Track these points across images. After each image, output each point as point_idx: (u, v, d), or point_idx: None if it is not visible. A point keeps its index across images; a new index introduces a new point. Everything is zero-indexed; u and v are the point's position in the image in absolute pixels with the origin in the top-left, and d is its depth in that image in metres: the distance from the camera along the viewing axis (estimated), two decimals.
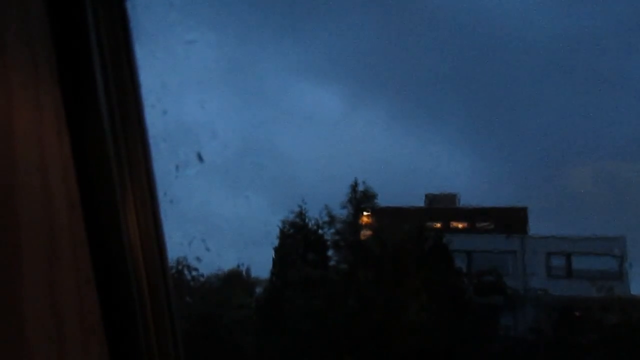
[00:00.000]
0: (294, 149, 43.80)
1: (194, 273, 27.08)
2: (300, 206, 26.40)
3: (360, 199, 27.86)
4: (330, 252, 27.08)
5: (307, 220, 26.56)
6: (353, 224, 27.40)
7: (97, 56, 0.97)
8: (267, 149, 38.24)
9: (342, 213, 27.13)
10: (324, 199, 26.99)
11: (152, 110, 1.08)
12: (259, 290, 28.08)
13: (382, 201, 28.72)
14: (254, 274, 31.76)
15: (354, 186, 27.78)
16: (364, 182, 27.99)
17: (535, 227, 33.31)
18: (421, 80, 43.62)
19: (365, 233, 27.34)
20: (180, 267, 24.58)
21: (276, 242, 26.25)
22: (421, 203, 37.52)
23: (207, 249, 21.58)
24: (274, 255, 26.06)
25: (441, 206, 36.37)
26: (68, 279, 0.94)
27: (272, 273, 25.87)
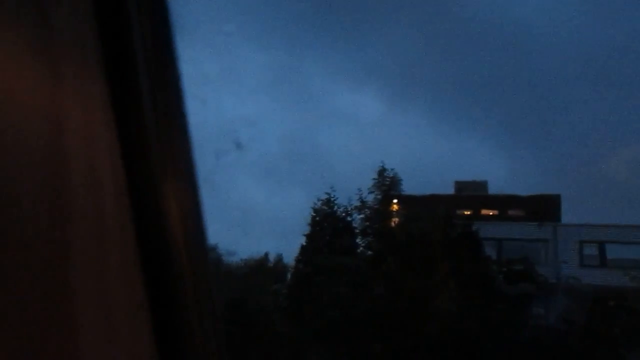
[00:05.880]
0: (332, 144, 44.28)
1: (228, 258, 27.36)
2: (328, 194, 26.47)
3: (389, 184, 27.78)
4: (358, 240, 27.12)
5: (335, 207, 26.61)
6: (381, 210, 27.35)
7: (140, 48, 1.02)
8: (308, 144, 38.75)
9: (369, 198, 27.12)
10: (358, 189, 27.13)
11: (193, 101, 1.13)
12: (290, 276, 28.33)
13: (413, 189, 28.63)
14: (286, 260, 32.01)
15: (381, 171, 27.69)
16: (392, 169, 27.88)
17: (568, 214, 32.84)
18: (456, 78, 43.37)
19: (394, 220, 27.28)
20: (216, 253, 24.89)
21: (307, 230, 26.43)
22: (451, 190, 37.26)
23: (244, 235, 21.89)
24: (303, 242, 26.23)
25: (471, 194, 36.07)
26: (115, 261, 0.99)
27: (299, 260, 26.04)
